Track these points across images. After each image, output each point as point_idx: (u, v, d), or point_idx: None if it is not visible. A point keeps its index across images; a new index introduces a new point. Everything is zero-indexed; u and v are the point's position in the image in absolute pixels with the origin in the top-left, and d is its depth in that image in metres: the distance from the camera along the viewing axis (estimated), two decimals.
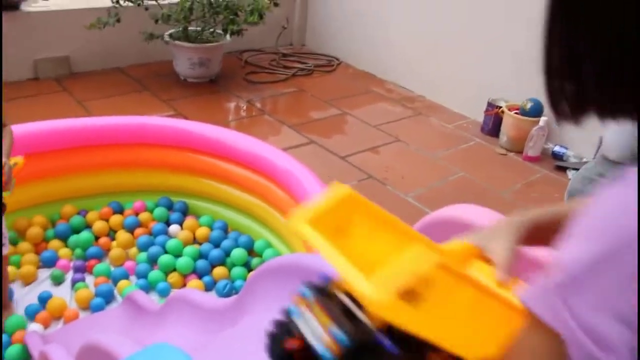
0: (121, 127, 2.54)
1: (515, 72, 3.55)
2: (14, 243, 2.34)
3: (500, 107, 3.60)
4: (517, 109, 3.50)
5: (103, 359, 0.94)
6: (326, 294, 0.65)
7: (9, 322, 1.96)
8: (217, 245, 2.35)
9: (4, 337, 1.93)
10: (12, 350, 1.86)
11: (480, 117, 3.77)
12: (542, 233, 0.78)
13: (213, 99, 3.92)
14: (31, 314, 2.05)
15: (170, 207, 2.55)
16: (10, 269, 2.20)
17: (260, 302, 1.24)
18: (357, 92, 4.24)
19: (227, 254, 2.31)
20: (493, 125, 3.65)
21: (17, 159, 1.84)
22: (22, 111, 3.43)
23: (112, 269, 2.26)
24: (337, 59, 4.77)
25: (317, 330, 0.62)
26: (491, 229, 0.79)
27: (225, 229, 2.45)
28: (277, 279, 1.20)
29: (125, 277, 2.22)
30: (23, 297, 2.14)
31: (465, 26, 3.81)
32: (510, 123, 3.49)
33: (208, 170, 2.48)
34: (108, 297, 2.13)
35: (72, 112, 3.47)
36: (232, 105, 3.89)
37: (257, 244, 2.35)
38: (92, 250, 2.32)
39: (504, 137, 3.54)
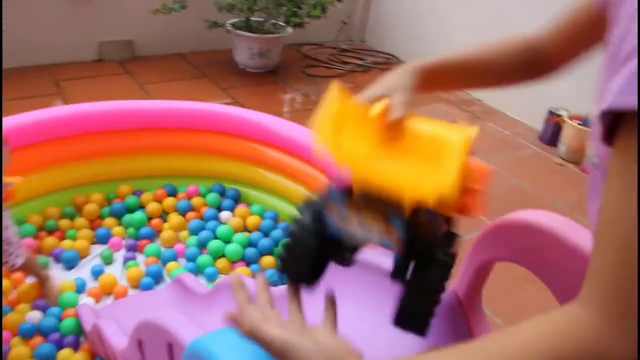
0: (179, 112, 2.57)
1: (580, 80, 3.45)
2: (71, 218, 2.41)
3: (561, 115, 3.50)
4: (579, 119, 3.40)
5: (160, 337, 0.95)
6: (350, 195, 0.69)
7: (62, 297, 2.01)
8: (267, 234, 2.36)
9: (56, 310, 1.98)
10: (65, 324, 1.90)
11: (538, 125, 3.68)
12: (438, 78, 0.85)
13: (270, 90, 3.94)
14: (81, 288, 2.10)
15: (222, 193, 2.57)
16: (67, 243, 2.26)
17: (312, 295, 1.22)
18: None
19: (277, 243, 2.31)
20: (552, 134, 3.56)
21: (14, 179, 1.69)
22: (85, 91, 3.53)
23: (163, 250, 2.29)
24: (396, 57, 4.73)
25: (369, 227, 0.67)
26: (390, 79, 0.85)
27: (275, 219, 2.45)
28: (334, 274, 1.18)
29: (175, 259, 2.25)
30: (76, 270, 2.20)
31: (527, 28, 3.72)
32: (570, 133, 3.39)
33: (262, 160, 2.49)
34: (157, 277, 2.16)
35: (133, 94, 3.55)
36: (288, 96, 3.90)
37: None
38: (145, 230, 2.37)
39: (562, 147, 3.45)
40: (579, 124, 3.35)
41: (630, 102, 0.45)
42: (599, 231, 0.49)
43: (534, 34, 0.91)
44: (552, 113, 3.55)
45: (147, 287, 2.13)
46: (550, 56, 0.88)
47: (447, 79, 0.90)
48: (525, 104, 3.81)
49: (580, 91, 3.41)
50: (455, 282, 1.07)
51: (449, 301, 1.00)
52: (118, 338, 1.35)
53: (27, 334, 1.86)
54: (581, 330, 0.49)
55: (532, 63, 0.90)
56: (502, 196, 2.96)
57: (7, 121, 2.28)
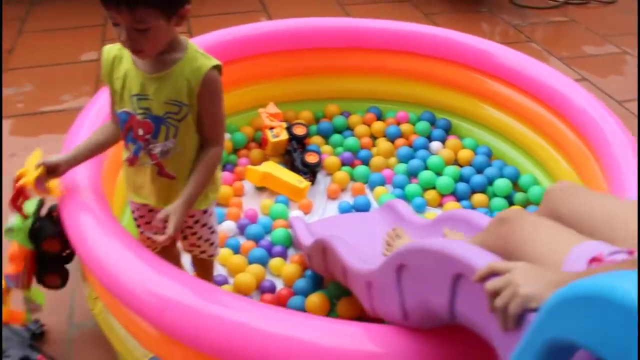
0: (392, 33, 2.45)
1: None
2: None
3: None
4: None
5: (446, 266, 0.85)
6: None
7: (274, 208, 2.04)
8: (479, 171, 2.21)
9: (267, 220, 2.01)
10: (276, 234, 1.94)
11: None
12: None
13: (475, 18, 3.69)
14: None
15: (432, 122, 2.44)
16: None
17: None
18: None
19: (490, 182, 2.16)
20: None
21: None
22: (288, 8, 3.52)
23: (371, 173, 2.24)
24: None
25: None
26: None
27: (489, 156, 2.29)
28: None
29: (382, 183, 2.19)
30: None
31: None
32: None
33: (479, 90, 2.31)
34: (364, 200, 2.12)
35: (334, 13, 3.48)
36: (494, 27, 3.62)
37: (524, 179, 2.16)
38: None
39: None
40: None
41: None
42: None
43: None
44: None
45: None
46: None
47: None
48: None
49: None
50: None
51: None
52: (354, 258, 1.31)
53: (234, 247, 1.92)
54: None
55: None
56: None
57: (216, 35, 2.30)
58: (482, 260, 0.79)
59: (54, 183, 1.41)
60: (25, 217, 1.45)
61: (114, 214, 1.49)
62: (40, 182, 1.36)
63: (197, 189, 1.30)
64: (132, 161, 1.34)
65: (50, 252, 1.50)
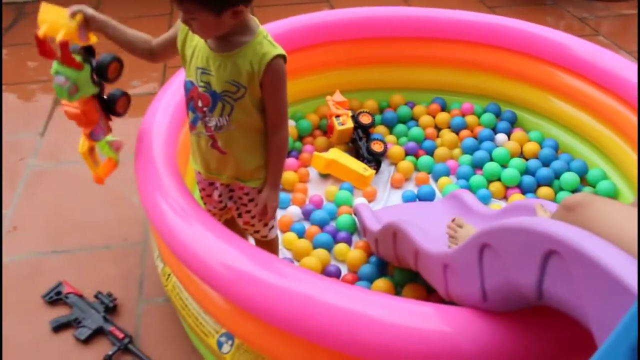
0: (457, 22, 2.42)
1: None
2: None
3: None
4: None
5: (534, 243, 0.85)
6: None
7: (339, 195, 2.07)
8: (545, 164, 2.18)
9: (332, 206, 2.04)
10: (341, 220, 1.97)
11: None
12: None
13: (539, 11, 3.61)
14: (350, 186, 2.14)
15: (498, 114, 2.42)
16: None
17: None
18: None
19: (557, 175, 2.13)
20: None
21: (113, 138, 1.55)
22: None
23: (435, 164, 2.23)
24: None
25: None
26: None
27: (556, 149, 2.25)
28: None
29: (446, 174, 2.19)
30: None
31: None
32: None
33: (547, 82, 2.27)
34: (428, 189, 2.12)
35: (394, 2, 3.45)
36: (559, 20, 3.55)
37: (592, 173, 2.12)
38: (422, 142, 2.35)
39: None
40: None
41: None
42: None
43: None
44: None
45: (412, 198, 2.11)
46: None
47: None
48: None
49: None
50: None
51: None
52: (428, 242, 1.32)
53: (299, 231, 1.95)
54: None
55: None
56: None
57: (287, 22, 2.32)
58: (577, 236, 0.78)
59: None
60: (79, 67, 1.38)
61: (187, 187, 1.54)
62: (82, 30, 1.34)
63: (275, 171, 1.42)
64: (191, 128, 1.42)
65: (114, 78, 1.45)
